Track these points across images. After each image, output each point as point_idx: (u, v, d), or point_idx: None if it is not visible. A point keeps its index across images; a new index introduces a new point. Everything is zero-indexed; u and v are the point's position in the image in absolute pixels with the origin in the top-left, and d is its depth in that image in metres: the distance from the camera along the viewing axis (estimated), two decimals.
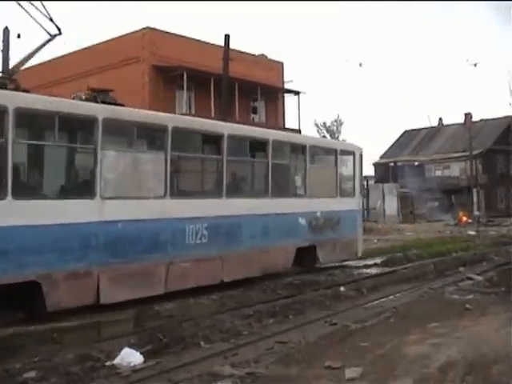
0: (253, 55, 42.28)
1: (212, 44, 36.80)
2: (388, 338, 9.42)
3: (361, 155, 20.18)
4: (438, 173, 68.83)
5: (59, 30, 12.90)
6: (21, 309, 10.74)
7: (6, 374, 7.89)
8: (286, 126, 41.34)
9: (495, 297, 13.21)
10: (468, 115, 55.19)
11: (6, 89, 10.95)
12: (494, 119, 69.62)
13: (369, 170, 71.54)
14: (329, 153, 19.62)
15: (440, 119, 78.58)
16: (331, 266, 19.03)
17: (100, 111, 11.84)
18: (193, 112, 36.30)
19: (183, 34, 38.11)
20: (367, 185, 53.53)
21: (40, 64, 39.58)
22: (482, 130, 66.71)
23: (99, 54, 36.54)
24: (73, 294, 11.08)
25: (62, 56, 39.64)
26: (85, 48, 38.60)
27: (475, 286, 15.11)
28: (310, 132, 78.57)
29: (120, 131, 12.86)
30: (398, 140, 79.18)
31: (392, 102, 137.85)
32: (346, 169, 20.04)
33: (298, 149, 17.89)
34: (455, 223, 47.43)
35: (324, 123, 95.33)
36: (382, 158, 75.55)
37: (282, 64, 46.14)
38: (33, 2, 12.48)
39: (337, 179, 18.98)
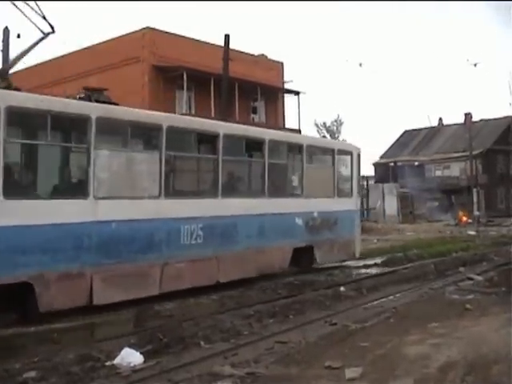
0: (253, 55, 42.26)
1: (212, 44, 36.78)
2: (388, 338, 9.42)
3: (359, 155, 20.06)
4: (438, 173, 68.86)
5: (52, 28, 12.83)
6: (13, 310, 10.65)
7: (6, 374, 7.88)
8: (286, 126, 41.32)
9: (495, 297, 13.21)
10: (468, 115, 55.18)
11: None
12: (494, 119, 69.64)
13: (369, 170, 71.65)
14: (326, 152, 19.49)
15: (440, 119, 78.61)
16: (331, 266, 19.01)
17: (93, 110, 11.75)
18: (193, 112, 36.30)
19: (183, 34, 38.10)
20: (367, 185, 53.58)
21: (40, 64, 39.71)
22: (482, 130, 66.72)
23: (99, 53, 36.51)
24: (65, 295, 11.00)
25: (62, 56, 39.66)
26: (85, 48, 38.55)
27: (475, 286, 15.10)
28: (310, 132, 78.55)
29: (114, 130, 12.75)
30: (398, 140, 79.18)
31: (392, 102, 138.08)
32: (344, 169, 19.99)
33: (295, 148, 17.82)
34: (455, 223, 47.44)
35: (324, 123, 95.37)
36: (381, 157, 75.55)
37: (282, 64, 46.14)
38: (27, 2, 12.41)
39: (334, 179, 18.85)
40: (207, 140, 15.17)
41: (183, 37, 37.83)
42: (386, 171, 66.95)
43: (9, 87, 11.26)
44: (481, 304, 12.29)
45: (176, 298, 12.96)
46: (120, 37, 37.15)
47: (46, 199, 11.34)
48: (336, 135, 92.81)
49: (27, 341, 9.73)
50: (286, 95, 44.98)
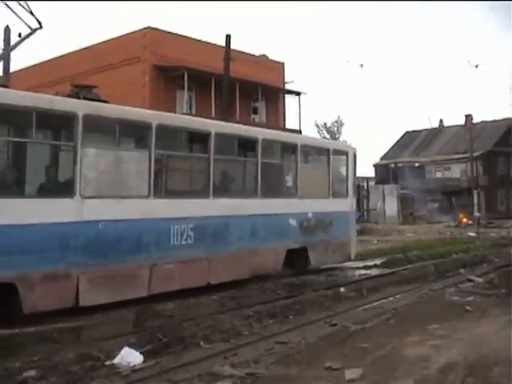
0: (254, 55, 42.29)
1: (213, 44, 36.77)
2: (388, 340, 9.41)
3: (354, 155, 19.87)
4: (439, 174, 68.95)
5: (40, 23, 12.73)
6: None
7: (6, 373, 7.87)
8: (287, 127, 41.33)
9: (495, 299, 13.20)
10: (469, 117, 55.14)
11: None
12: (494, 121, 69.72)
13: (369, 171, 71.68)
14: (321, 152, 19.29)
15: (441, 120, 78.69)
16: (331, 267, 18.99)
17: (80, 107, 11.51)
18: (193, 112, 36.29)
19: (184, 34, 38.09)
20: (367, 186, 53.59)
21: (40, 64, 39.77)
22: (483, 131, 66.74)
23: (99, 53, 36.58)
24: (51, 297, 10.79)
25: (62, 56, 39.72)
26: (85, 48, 38.66)
27: (475, 287, 15.07)
28: (310, 133, 78.57)
29: (101, 128, 12.52)
30: (398, 141, 79.25)
31: (393, 103, 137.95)
32: (339, 169, 19.68)
33: (289, 148, 17.61)
34: (455, 225, 47.46)
35: (325, 124, 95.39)
36: (382, 159, 75.62)
37: (283, 64, 46.16)
38: None
39: (329, 179, 18.61)
40: (198, 139, 14.99)
41: (184, 37, 37.83)
42: (386, 172, 66.98)
43: None
44: (481, 306, 12.28)
45: (176, 298, 12.92)
46: (120, 36, 37.16)
47: (31, 198, 11.12)
48: (337, 136, 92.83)
49: (27, 340, 9.71)
50: (286, 96, 44.98)
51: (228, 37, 29.50)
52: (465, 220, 47.61)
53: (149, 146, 12.83)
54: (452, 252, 24.70)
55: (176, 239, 13.33)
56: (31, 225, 10.47)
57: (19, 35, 24.28)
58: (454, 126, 73.22)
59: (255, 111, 42.96)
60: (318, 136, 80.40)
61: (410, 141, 77.10)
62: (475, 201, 51.20)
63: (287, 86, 45.18)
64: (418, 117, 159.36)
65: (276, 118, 43.89)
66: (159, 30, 36.99)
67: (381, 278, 17.62)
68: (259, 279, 15.59)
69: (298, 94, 43.52)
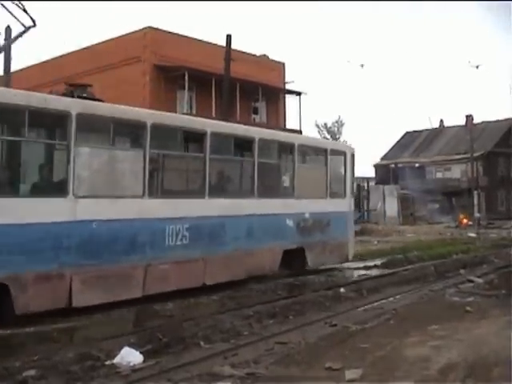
0: (254, 56, 42.27)
1: (214, 44, 36.75)
2: (388, 340, 9.41)
3: (352, 155, 19.71)
4: (439, 175, 68.99)
5: (34, 21, 12.64)
6: None
7: (6, 372, 7.87)
8: (287, 127, 41.32)
9: (496, 299, 13.19)
10: (469, 117, 55.07)
11: None
12: (495, 121, 69.72)
13: (369, 172, 71.70)
14: (318, 152, 19.06)
15: (441, 121, 78.66)
16: (330, 268, 18.98)
17: (73, 106, 11.38)
18: (194, 112, 36.29)
19: (185, 34, 38.07)
20: (368, 186, 53.57)
21: (41, 63, 39.76)
22: (484, 132, 66.76)
23: (100, 53, 36.60)
24: (43, 297, 10.67)
25: (62, 56, 39.72)
26: (85, 48, 38.66)
27: (476, 288, 15.06)
28: (311, 133, 78.58)
29: (95, 127, 12.38)
30: (398, 141, 79.26)
31: (393, 104, 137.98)
32: (337, 169, 19.42)
33: (286, 148, 17.45)
34: (456, 225, 47.46)
35: (325, 124, 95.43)
36: (382, 159, 75.65)
37: (284, 64, 46.15)
38: None
39: (327, 179, 18.45)
40: (194, 138, 14.83)
41: (185, 36, 37.82)
42: (386, 173, 67.03)
43: None
44: (481, 306, 12.27)
45: (176, 298, 12.90)
46: (121, 36, 37.16)
47: (23, 197, 11.00)
48: (337, 136, 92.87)
49: (27, 340, 9.70)
50: (287, 96, 44.97)
51: (229, 37, 29.48)
52: (465, 221, 47.61)
53: (144, 146, 12.72)
54: (452, 253, 24.70)
55: (171, 239, 13.22)
56: (23, 224, 10.37)
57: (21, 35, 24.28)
58: (454, 127, 73.17)
59: (256, 111, 42.95)
60: (318, 136, 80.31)
61: (411, 141, 77.12)
62: (475, 201, 51.23)
63: (288, 86, 45.17)
64: (419, 117, 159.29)
65: (276, 118, 43.89)
66: (159, 29, 36.98)
67: (381, 278, 17.62)
68: (259, 279, 15.56)
69: (299, 94, 43.50)
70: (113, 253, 11.91)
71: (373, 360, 8.35)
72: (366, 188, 52.40)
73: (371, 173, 71.93)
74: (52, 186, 11.93)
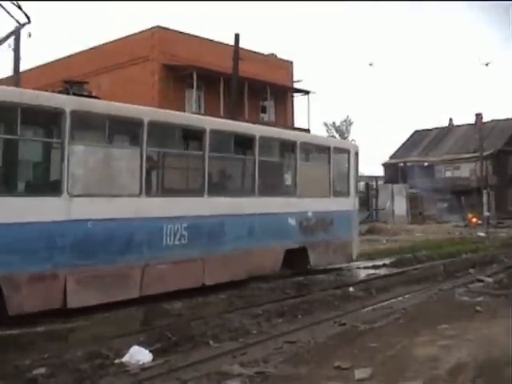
0: (262, 54, 42.24)
1: (222, 43, 36.74)
2: (397, 339, 9.39)
3: (356, 153, 19.53)
4: (448, 174, 68.77)
5: (28, 18, 12.56)
6: None
7: (16, 371, 7.91)
8: (296, 126, 41.29)
9: (505, 299, 13.12)
10: (479, 116, 54.87)
11: None
12: (505, 120, 69.47)
13: (378, 171, 71.61)
14: (321, 150, 18.83)
15: (450, 119, 78.45)
16: (339, 267, 18.95)
17: (67, 103, 11.21)
18: (202, 111, 36.30)
19: (193, 33, 38.07)
20: (376, 185, 53.49)
21: (50, 63, 39.87)
22: (493, 130, 66.52)
23: (109, 53, 36.66)
24: (37, 298, 10.52)
25: (71, 56, 39.83)
26: (94, 47, 38.75)
27: (485, 287, 15.00)
28: (319, 132, 78.51)
29: (91, 125, 12.26)
30: (407, 140, 79.08)
31: (402, 102, 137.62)
32: (341, 167, 19.19)
33: (288, 146, 17.25)
34: (465, 224, 47.34)
35: (333, 123, 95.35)
36: (391, 158, 75.48)
37: (292, 63, 46.09)
38: None
39: (330, 178, 18.18)
40: (193, 136, 14.65)
41: (193, 36, 37.82)
42: (395, 171, 66.89)
43: None
44: (490, 306, 12.23)
45: (184, 297, 12.92)
46: (129, 36, 37.20)
47: (16, 196, 10.73)
48: (345, 135, 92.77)
49: (36, 338, 9.72)
50: (295, 95, 44.92)
51: (237, 36, 29.49)
52: (474, 220, 47.42)
53: (140, 143, 12.55)
54: (461, 252, 24.64)
55: (169, 239, 13.03)
56: (16, 224, 10.22)
57: (29, 35, 24.41)
58: (463, 125, 72.98)
59: (264, 110, 42.92)
60: (327, 135, 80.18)
61: (420, 140, 76.93)
62: (485, 200, 50.87)
63: (296, 85, 45.12)
64: (428, 115, 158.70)
65: (285, 117, 43.84)
66: (167, 29, 36.99)
67: (390, 277, 17.59)
68: (267, 279, 15.57)
69: (307, 92, 43.46)
70: (109, 253, 11.74)
71: (382, 359, 8.34)
72: (374, 187, 52.32)
73: (380, 172, 71.91)
74: (46, 185, 11.86)
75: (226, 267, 14.33)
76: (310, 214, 17.14)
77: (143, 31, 36.78)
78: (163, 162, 14.52)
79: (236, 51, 29.40)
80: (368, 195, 50.26)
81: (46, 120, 11.81)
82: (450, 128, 76.89)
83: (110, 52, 36.68)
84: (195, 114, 30.62)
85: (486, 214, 46.21)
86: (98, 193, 11.86)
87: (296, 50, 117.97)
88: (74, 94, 11.97)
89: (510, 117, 68.71)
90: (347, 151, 19.42)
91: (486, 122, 58.54)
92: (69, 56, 39.99)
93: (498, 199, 62.98)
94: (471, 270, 18.63)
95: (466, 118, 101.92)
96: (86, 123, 11.90)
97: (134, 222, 12.27)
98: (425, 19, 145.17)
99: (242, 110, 36.78)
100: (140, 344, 8.97)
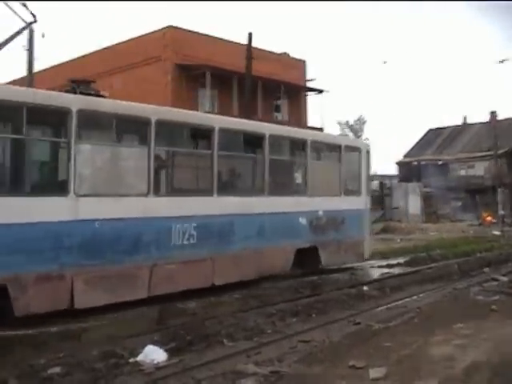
0: (275, 54, 42.23)
1: (234, 42, 36.83)
2: (412, 339, 9.37)
3: (368, 152, 19.38)
4: (463, 172, 68.33)
5: (34, 17, 12.51)
6: None
7: (32, 370, 7.95)
8: (309, 125, 41.28)
9: None
10: (493, 114, 54.62)
11: None
12: None
13: (392, 169, 71.39)
14: (332, 149, 18.66)
15: (464, 118, 78.01)
16: (352, 266, 18.92)
17: (74, 102, 11.12)
18: (215, 111, 36.35)
19: (205, 33, 38.14)
20: (390, 184, 53.35)
21: (65, 63, 40.08)
22: (508, 128, 66.03)
23: (122, 53, 36.81)
24: (44, 298, 10.47)
25: (85, 56, 40.02)
26: (107, 47, 38.91)
27: (500, 286, 14.93)
28: (333, 131, 78.34)
29: (97, 124, 12.08)
30: (421, 139, 78.62)
31: (416, 101, 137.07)
32: (352, 166, 18.90)
33: (299, 144, 17.05)
34: (479, 223, 47.09)
35: (347, 122, 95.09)
36: (405, 156, 75.15)
37: (305, 62, 46.08)
38: None
39: (341, 177, 18.02)
40: (201, 134, 14.44)
41: (206, 35, 37.90)
42: (409, 170, 66.58)
43: None
44: (506, 305, 12.17)
45: (198, 297, 12.92)
46: (141, 36, 37.38)
47: (22, 196, 10.60)
48: (359, 134, 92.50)
49: (51, 337, 9.75)
50: (308, 93, 44.90)
51: (250, 35, 29.52)
52: (489, 218, 47.16)
53: (148, 142, 12.43)
54: (476, 251, 24.51)
55: (178, 238, 12.91)
56: (22, 224, 10.15)
57: (42, 35, 24.51)
58: (477, 124, 72.52)
59: (277, 109, 42.93)
60: (340, 134, 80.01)
61: (434, 138, 76.47)
62: (499, 199, 50.63)
63: (309, 84, 45.09)
64: (442, 114, 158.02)
65: (298, 115, 43.82)
66: (180, 28, 37.09)
67: (404, 276, 17.53)
68: (279, 278, 15.53)
69: (320, 91, 43.44)
70: (116, 253, 11.66)
71: (397, 359, 8.31)
72: (388, 186, 52.16)
73: (394, 171, 71.66)
74: (52, 185, 11.77)
75: (236, 267, 14.23)
76: (320, 212, 16.99)
77: (156, 31, 36.90)
78: (171, 161, 14.42)
79: (249, 50, 29.45)
80: (382, 194, 50.27)
81: (53, 119, 11.71)
82: (464, 126, 76.43)
83: (124, 52, 36.88)
84: (208, 113, 30.69)
85: (501, 212, 45.96)
86: (106, 192, 11.78)
87: (309, 48, 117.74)
88: (81, 93, 11.95)
89: None
90: (358, 149, 19.31)
91: (500, 120, 58.22)
92: (83, 56, 40.26)
93: None
94: (486, 269, 18.55)
95: (480, 116, 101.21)
96: (92, 122, 11.79)
97: (142, 221, 12.18)
98: (439, 16, 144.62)
99: (256, 109, 36.79)
100: (154, 343, 9.00)
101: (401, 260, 21.20)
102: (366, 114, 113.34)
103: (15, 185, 11.02)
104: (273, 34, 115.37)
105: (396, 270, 19.13)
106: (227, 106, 36.00)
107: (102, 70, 36.69)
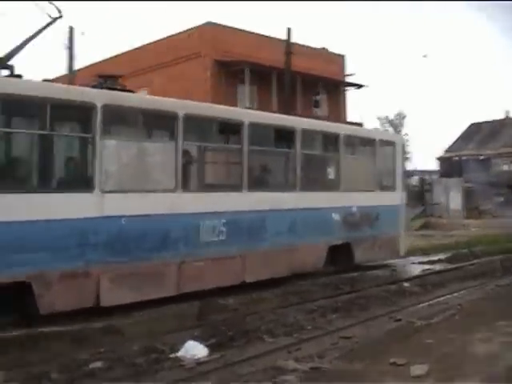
0: (314, 49, 42.08)
1: (273, 38, 36.77)
2: (454, 336, 9.28)
3: (403, 146, 19.03)
4: (505, 167, 67.36)
5: (60, 12, 12.50)
6: (12, 311, 10.05)
7: (74, 364, 8.04)
8: (348, 120, 41.07)
9: None
10: None
11: None
12: None
13: (433, 165, 70.74)
14: (366, 143, 18.24)
15: (507, 112, 76.84)
16: (392, 262, 18.77)
17: (98, 97, 11.03)
18: (254, 106, 36.38)
19: (244, 29, 38.15)
20: (431, 179, 52.86)
21: (103, 61, 40.50)
22: None
23: (163, 49, 37.06)
24: (69, 296, 10.38)
25: (124, 52, 40.38)
26: (149, 43, 39.19)
27: None
28: (373, 126, 77.85)
29: (123, 119, 12.02)
30: (463, 133, 77.74)
31: (458, 94, 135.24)
32: (387, 160, 18.58)
33: (331, 138, 16.68)
34: None
35: (387, 117, 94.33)
36: (446, 151, 74.34)
37: (344, 57, 45.84)
38: None
39: (375, 171, 17.78)
40: (231, 129, 14.27)
41: (244, 31, 37.90)
42: (450, 165, 65.89)
43: (11, 75, 10.90)
44: None
45: (238, 293, 12.93)
46: (181, 33, 37.53)
47: (47, 193, 10.42)
48: (399, 129, 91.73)
49: (92, 333, 9.80)
50: (348, 88, 44.67)
51: (289, 30, 29.47)
52: None
53: (175, 137, 12.29)
54: None
55: (207, 235, 12.75)
56: (47, 221, 10.12)
57: (82, 33, 24.80)
58: None
59: (317, 105, 42.76)
60: (380, 129, 79.46)
61: (475, 133, 75.54)
62: None
63: (348, 79, 44.87)
64: (484, 108, 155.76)
65: (337, 111, 43.62)
66: (219, 25, 37.12)
67: (445, 273, 17.33)
68: (319, 275, 15.47)
69: (360, 86, 43.20)
70: (143, 250, 11.55)
71: (439, 356, 8.24)
72: (428, 181, 51.68)
73: (435, 166, 70.99)
74: (77, 181, 11.61)
75: (267, 264, 14.05)
76: (354, 208, 16.75)
77: (195, 27, 37.02)
78: (200, 156, 14.36)
79: (288, 45, 29.39)
80: (422, 190, 49.80)
81: (77, 115, 11.62)
82: (507, 120, 75.30)
83: (164, 49, 37.17)
84: (248, 109, 30.75)
85: None
86: (132, 188, 11.66)
87: (348, 43, 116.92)
88: (108, 89, 11.87)
89: None
90: (393, 143, 19.01)
91: None
92: (123, 53, 40.53)
93: None
94: None
95: None
96: (118, 117, 11.74)
97: (170, 217, 12.05)
98: (480, 9, 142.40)
99: (295, 104, 36.73)
100: (195, 339, 9.05)
101: (442, 256, 20.93)
102: (407, 109, 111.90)
103: (40, 181, 10.97)
104: (312, 29, 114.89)
105: (437, 267, 18.90)
106: (266, 102, 35.97)
107: (142, 66, 37.08)
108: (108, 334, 9.84)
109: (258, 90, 38.35)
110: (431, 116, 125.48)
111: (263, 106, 33.01)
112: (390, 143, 19.05)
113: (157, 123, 13.01)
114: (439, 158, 72.81)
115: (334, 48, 47.05)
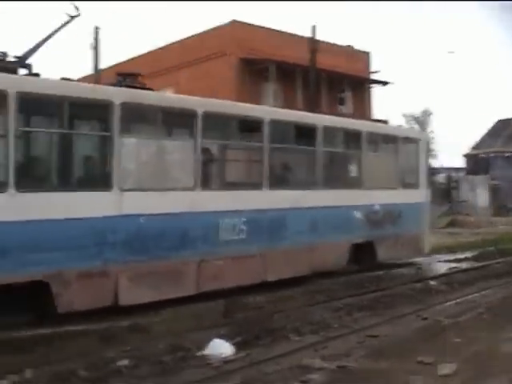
0: (339, 46, 41.93)
1: (298, 35, 36.68)
2: (482, 335, 9.23)
3: (427, 143, 18.74)
4: None
5: (78, 10, 12.45)
6: (30, 310, 10.07)
7: (102, 362, 8.08)
8: (374, 117, 40.85)
9: None
10: None
11: (15, 74, 10.49)
12: None
13: (460, 162, 70.21)
14: (389, 140, 17.98)
15: None
16: (419, 260, 18.66)
17: (116, 95, 10.99)
18: (280, 105, 36.32)
19: (268, 27, 38.10)
20: (457, 177, 52.48)
21: (130, 60, 40.75)
22: None
23: (188, 48, 37.20)
24: (87, 295, 10.37)
25: (150, 51, 40.61)
26: (174, 42, 39.35)
27: None
28: (398, 123, 77.45)
29: (142, 117, 11.98)
30: (490, 130, 76.98)
31: (485, 91, 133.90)
32: (410, 158, 18.39)
33: (353, 136, 16.53)
34: None
35: (412, 114, 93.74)
36: (473, 149, 73.71)
37: (369, 54, 45.59)
38: None
39: (398, 169, 17.60)
40: (251, 126, 14.07)
41: (269, 29, 37.83)
42: (476, 163, 65.33)
43: (29, 74, 10.90)
44: None
45: (265, 291, 12.91)
46: (207, 31, 37.59)
47: (65, 192, 10.40)
48: (425, 126, 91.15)
49: (118, 331, 9.84)
50: (373, 86, 44.44)
51: (314, 28, 29.40)
52: None
53: (195, 135, 12.25)
54: None
55: (226, 234, 12.68)
56: (65, 220, 10.09)
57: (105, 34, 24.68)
58: None
59: (342, 102, 42.59)
60: (406, 126, 79.01)
61: (503, 129, 74.77)
62: None
63: (373, 76, 44.63)
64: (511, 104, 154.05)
65: (363, 108, 43.41)
66: (244, 23, 37.11)
67: (472, 271, 17.17)
68: (341, 273, 15.42)
69: (385, 83, 42.96)
70: (162, 248, 11.51)
71: (467, 355, 8.20)
72: (455, 179, 51.32)
73: (461, 163, 70.44)
74: (96, 180, 11.55)
75: (289, 263, 13.94)
76: (376, 206, 16.59)
77: (220, 26, 37.07)
78: (219, 154, 14.30)
79: (313, 43, 29.30)
80: (449, 187, 49.44)
81: (95, 113, 11.62)
82: None
83: (189, 47, 37.30)
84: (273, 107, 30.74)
85: None
86: (150, 187, 11.61)
87: (373, 40, 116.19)
88: (127, 86, 11.88)
89: None
90: (417, 141, 18.87)
91: None
92: (149, 52, 40.75)
93: None
94: None
95: None
96: (137, 115, 11.69)
97: (189, 216, 11.99)
98: (506, 6, 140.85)
99: (320, 102, 36.64)
100: (221, 337, 9.03)
101: (468, 254, 20.77)
102: (433, 106, 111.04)
103: (58, 180, 11.06)
104: (337, 26, 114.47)
105: (464, 265, 18.74)
106: (291, 100, 35.91)
107: (168, 65, 37.27)
108: (134, 332, 9.86)
109: (283, 87, 38.26)
110: (458, 113, 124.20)
111: (288, 104, 32.96)
112: (414, 140, 18.90)
113: (175, 121, 12.99)
114: (466, 155, 72.18)
115: (359, 45, 46.65)
